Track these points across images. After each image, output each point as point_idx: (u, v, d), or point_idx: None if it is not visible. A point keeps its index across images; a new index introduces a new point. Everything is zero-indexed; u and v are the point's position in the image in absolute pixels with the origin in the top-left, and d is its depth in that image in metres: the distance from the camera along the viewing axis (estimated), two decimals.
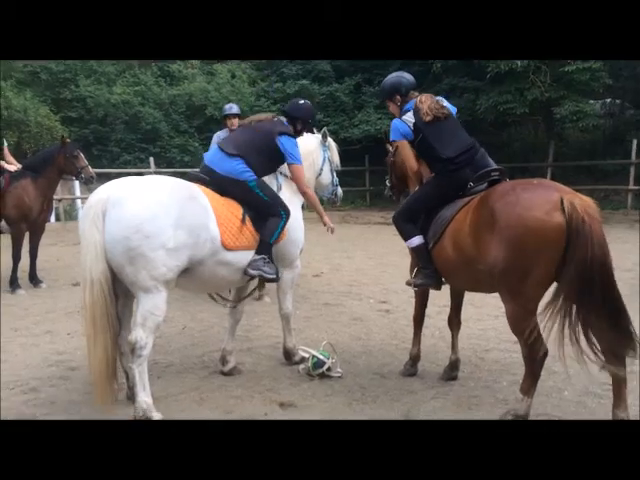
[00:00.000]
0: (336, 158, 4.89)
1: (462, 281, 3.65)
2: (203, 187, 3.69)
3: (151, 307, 3.24)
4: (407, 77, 3.96)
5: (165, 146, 16.91)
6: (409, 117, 3.73)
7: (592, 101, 15.53)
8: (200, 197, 3.52)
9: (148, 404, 3.25)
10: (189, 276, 3.46)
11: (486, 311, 5.67)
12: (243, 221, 3.69)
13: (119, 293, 3.46)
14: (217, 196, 3.68)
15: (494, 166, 3.64)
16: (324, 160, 4.69)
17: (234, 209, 3.71)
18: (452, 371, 4.04)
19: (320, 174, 4.69)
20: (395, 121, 3.82)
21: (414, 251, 3.78)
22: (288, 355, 4.38)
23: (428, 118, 3.62)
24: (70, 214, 14.59)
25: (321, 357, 4.05)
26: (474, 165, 3.59)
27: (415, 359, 4.15)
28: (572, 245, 2.76)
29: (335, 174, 4.87)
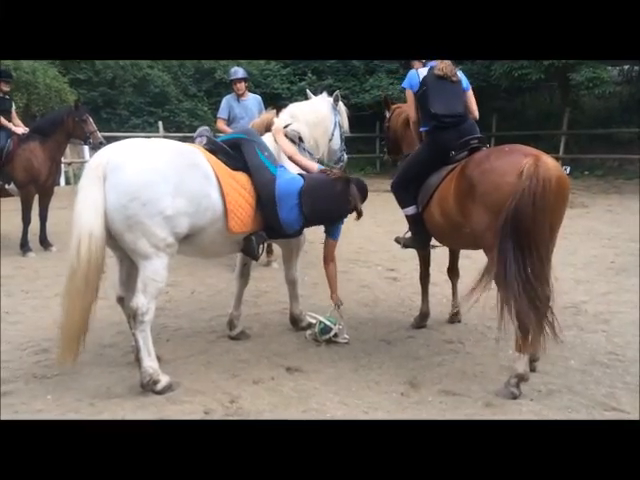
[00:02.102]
0: (346, 123, 4.83)
1: (451, 241, 4.05)
2: (208, 155, 3.59)
3: (151, 273, 3.22)
4: None
5: (174, 110, 16.76)
6: (423, 71, 3.96)
7: (609, 67, 15.14)
8: (202, 164, 3.44)
9: (154, 369, 3.28)
10: (189, 242, 3.43)
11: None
12: (256, 206, 3.62)
13: (121, 257, 3.47)
14: (224, 167, 3.57)
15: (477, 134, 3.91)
16: (335, 125, 4.62)
17: (245, 189, 3.59)
18: (455, 316, 4.54)
19: (331, 139, 4.63)
20: (411, 71, 4.06)
21: (408, 218, 4.16)
22: (294, 321, 4.41)
23: (438, 72, 3.86)
24: (79, 178, 14.57)
25: (328, 323, 4.08)
26: (460, 131, 3.84)
27: (424, 315, 4.45)
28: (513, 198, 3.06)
29: (343, 139, 4.81)
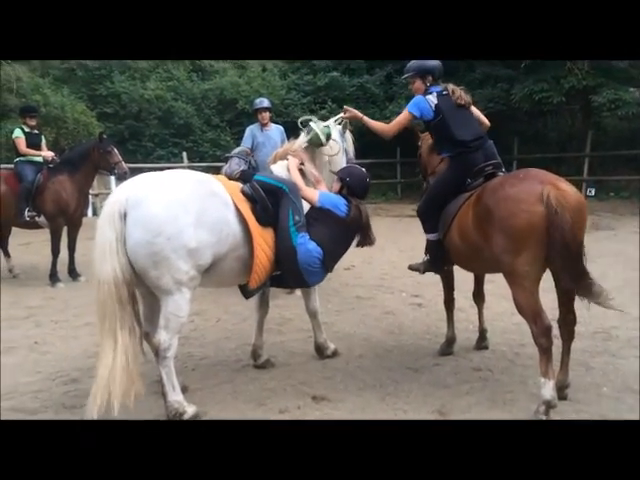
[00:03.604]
0: (351, 149, 4.85)
1: (473, 265, 4.04)
2: (225, 181, 3.62)
3: (174, 309, 3.22)
4: (440, 65, 4.20)
5: (197, 140, 17.10)
6: (432, 98, 3.96)
7: (632, 89, 15.05)
8: (220, 191, 3.45)
9: (179, 402, 3.26)
10: (208, 273, 3.40)
11: None
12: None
13: (144, 293, 3.45)
14: (255, 222, 3.52)
15: (497, 157, 4.04)
16: (342, 151, 4.53)
17: (269, 247, 3.58)
18: (482, 341, 4.52)
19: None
20: (419, 97, 4.04)
21: (429, 243, 4.19)
22: (320, 350, 4.40)
23: (461, 102, 3.93)
24: None
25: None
26: (485, 150, 3.98)
27: (450, 341, 4.44)
28: (550, 232, 3.13)
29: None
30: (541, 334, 3.19)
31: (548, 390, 3.17)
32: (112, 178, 13.28)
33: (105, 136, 7.46)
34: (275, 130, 6.58)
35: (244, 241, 3.49)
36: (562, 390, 3.42)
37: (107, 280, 3.08)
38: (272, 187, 3.67)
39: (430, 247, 4.20)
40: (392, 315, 5.53)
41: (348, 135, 4.81)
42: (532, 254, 3.18)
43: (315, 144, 4.24)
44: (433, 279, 5.77)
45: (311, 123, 4.29)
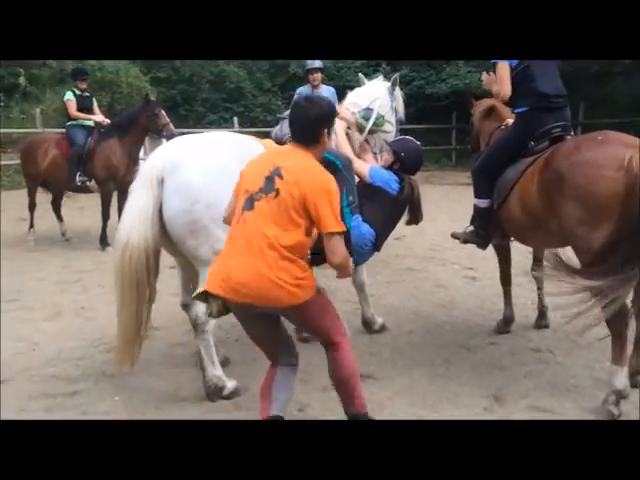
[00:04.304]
0: (401, 108, 4.52)
1: (534, 240, 3.67)
2: (270, 144, 3.39)
3: None
4: None
5: (249, 105, 16.90)
6: None
7: None
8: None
9: (218, 376, 3.16)
10: None
11: None
12: None
13: (182, 263, 3.33)
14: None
15: (569, 120, 3.56)
16: (391, 110, 4.24)
17: None
18: (542, 319, 4.21)
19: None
20: None
21: (477, 210, 3.79)
22: (367, 324, 4.20)
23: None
24: None
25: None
26: (563, 112, 3.51)
27: (508, 319, 4.16)
28: (626, 202, 2.75)
29: (399, 125, 4.49)
30: (615, 321, 2.83)
31: (620, 379, 2.87)
32: (164, 141, 13.46)
33: (153, 98, 7.36)
34: (326, 92, 6.27)
35: None
36: (635, 376, 3.10)
37: (135, 246, 2.92)
38: (325, 160, 3.42)
39: (478, 215, 3.82)
40: (444, 289, 5.25)
41: (398, 92, 4.48)
42: (613, 227, 2.80)
43: (378, 129, 3.97)
44: (488, 251, 5.46)
45: (375, 106, 3.99)
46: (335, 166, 3.36)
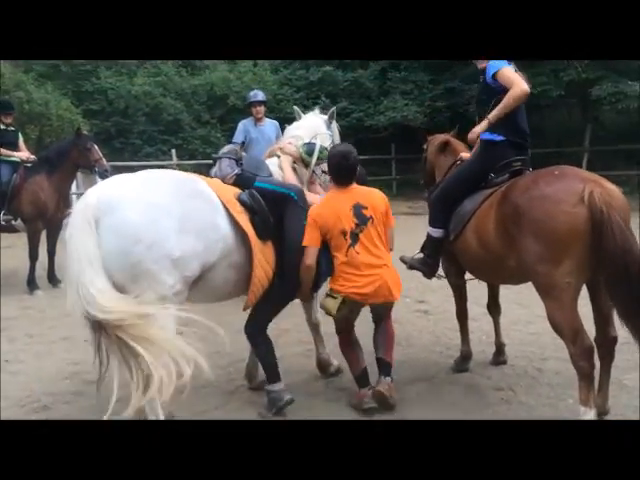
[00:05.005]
0: (338, 139, 4.44)
1: (490, 274, 3.60)
2: (213, 182, 3.21)
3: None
4: None
5: (187, 137, 16.55)
6: (511, 69, 3.39)
7: (630, 82, 14.74)
8: (205, 190, 3.03)
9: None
10: (198, 286, 2.99)
11: (535, 312, 5.15)
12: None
13: None
14: (255, 237, 3.14)
15: (528, 153, 3.56)
16: (331, 142, 4.15)
17: (269, 264, 3.23)
18: (500, 356, 4.07)
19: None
20: (495, 61, 3.36)
21: (430, 239, 3.76)
22: (322, 367, 3.98)
23: (529, 86, 3.35)
24: None
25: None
26: (525, 150, 3.53)
27: (466, 356, 4.01)
28: (596, 236, 2.70)
29: None
30: (581, 356, 2.76)
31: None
32: (98, 177, 12.90)
33: (85, 132, 7.00)
34: (270, 125, 6.16)
35: (237, 246, 3.07)
36: (601, 417, 3.01)
37: (103, 289, 2.64)
38: (277, 195, 3.26)
39: (430, 244, 3.76)
40: (397, 324, 5.04)
41: (334, 126, 4.41)
42: (575, 263, 2.74)
43: (321, 162, 3.85)
44: (437, 283, 5.38)
45: (317, 139, 3.93)
46: (290, 197, 3.24)
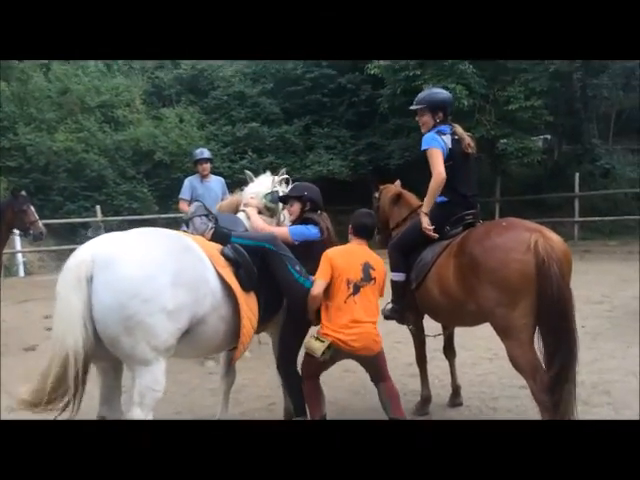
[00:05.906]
0: None
1: (450, 320, 3.96)
2: (198, 239, 3.32)
3: (150, 382, 2.84)
4: (452, 101, 4.09)
5: (111, 193, 16.20)
6: (447, 140, 3.77)
7: (533, 138, 16.20)
8: (193, 246, 3.16)
9: None
10: (187, 340, 3.03)
11: (479, 353, 5.51)
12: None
13: (105, 370, 3.07)
14: (240, 289, 3.26)
15: (477, 207, 3.95)
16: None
17: (253, 314, 3.35)
18: (456, 397, 4.29)
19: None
20: (433, 134, 3.78)
21: (393, 284, 3.97)
22: (290, 418, 4.03)
23: (470, 151, 3.82)
24: (10, 270, 13.59)
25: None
26: (473, 206, 3.90)
27: (426, 400, 4.20)
28: (540, 282, 3.02)
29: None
30: (542, 391, 3.02)
31: None
32: (17, 237, 12.29)
33: (23, 193, 6.79)
34: (215, 181, 6.29)
35: (225, 299, 3.17)
36: None
37: (73, 352, 2.64)
38: (254, 248, 3.40)
39: (394, 289, 4.00)
40: (352, 373, 5.23)
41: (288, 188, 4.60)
42: (528, 305, 3.06)
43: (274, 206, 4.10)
44: (389, 327, 5.60)
45: (278, 188, 4.14)
46: (267, 249, 3.37)
